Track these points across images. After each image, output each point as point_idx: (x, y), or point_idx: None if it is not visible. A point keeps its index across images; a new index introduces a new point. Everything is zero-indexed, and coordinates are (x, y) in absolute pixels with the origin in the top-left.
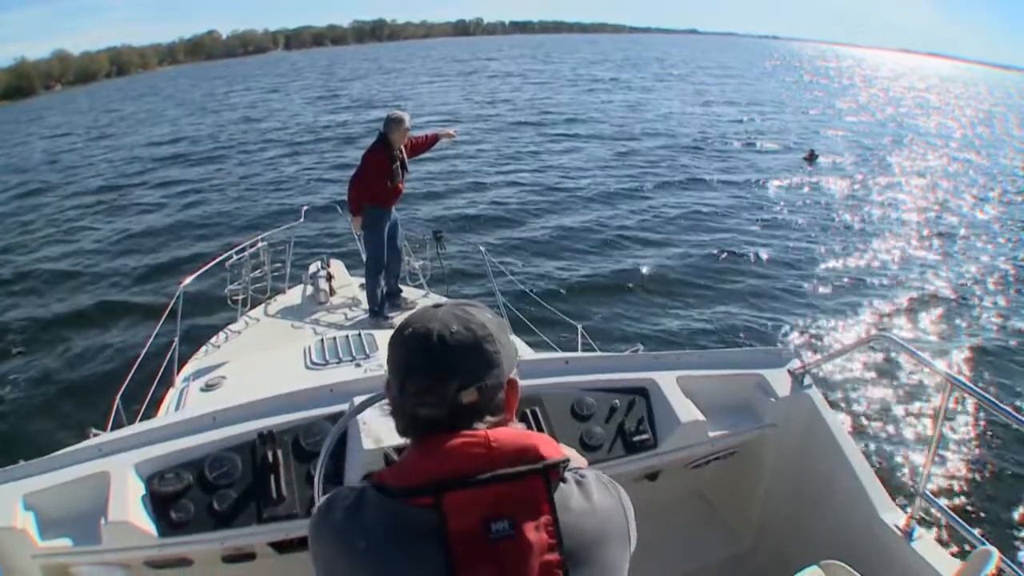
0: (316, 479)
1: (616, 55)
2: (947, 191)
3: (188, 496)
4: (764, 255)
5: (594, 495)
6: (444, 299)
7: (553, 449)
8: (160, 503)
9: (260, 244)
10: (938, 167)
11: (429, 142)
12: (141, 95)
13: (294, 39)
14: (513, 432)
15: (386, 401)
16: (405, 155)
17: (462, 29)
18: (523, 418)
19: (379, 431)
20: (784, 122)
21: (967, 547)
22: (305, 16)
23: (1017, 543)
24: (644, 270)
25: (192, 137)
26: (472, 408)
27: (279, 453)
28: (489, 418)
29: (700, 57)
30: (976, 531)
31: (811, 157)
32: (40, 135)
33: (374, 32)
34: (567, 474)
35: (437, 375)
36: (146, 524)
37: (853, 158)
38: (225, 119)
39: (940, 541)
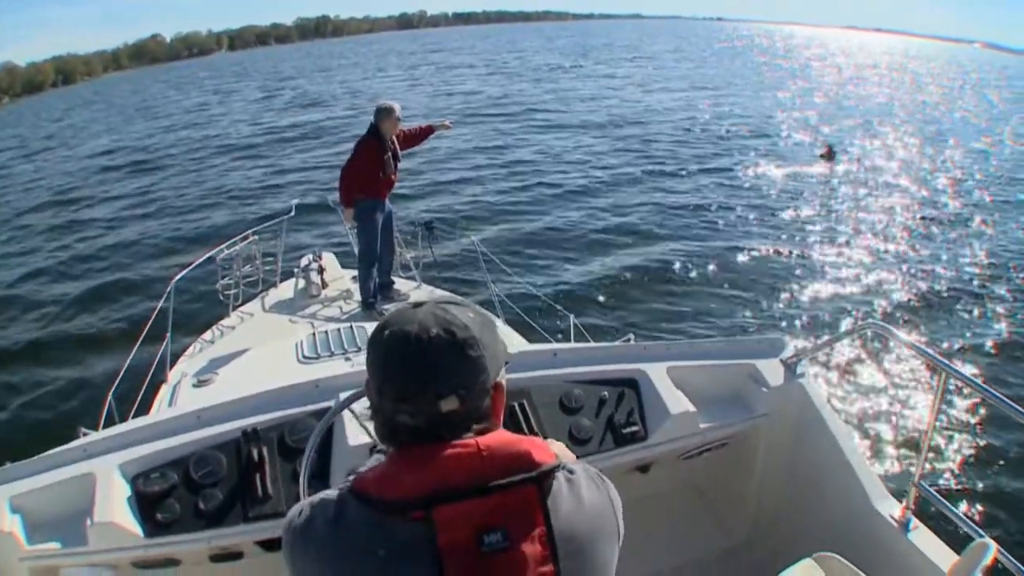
0: (302, 476)
1: (567, 41)
2: (938, 177)
3: (174, 496)
4: (756, 244)
5: (584, 494)
6: (427, 297)
7: (545, 453)
8: (146, 503)
9: (251, 238)
10: (925, 151)
11: (423, 133)
12: (88, 102)
13: (238, 39)
14: (504, 438)
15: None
16: (397, 146)
17: (405, 22)
18: (510, 412)
19: (365, 426)
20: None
21: (963, 538)
22: (248, 15)
23: (1014, 533)
24: (636, 260)
25: (160, 142)
26: (454, 417)
27: (264, 451)
28: (474, 426)
29: (651, 42)
30: (973, 522)
31: (829, 154)
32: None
33: (318, 29)
34: (557, 473)
35: (414, 382)
36: (132, 525)
37: (856, 147)
38: (194, 123)
39: (936, 532)
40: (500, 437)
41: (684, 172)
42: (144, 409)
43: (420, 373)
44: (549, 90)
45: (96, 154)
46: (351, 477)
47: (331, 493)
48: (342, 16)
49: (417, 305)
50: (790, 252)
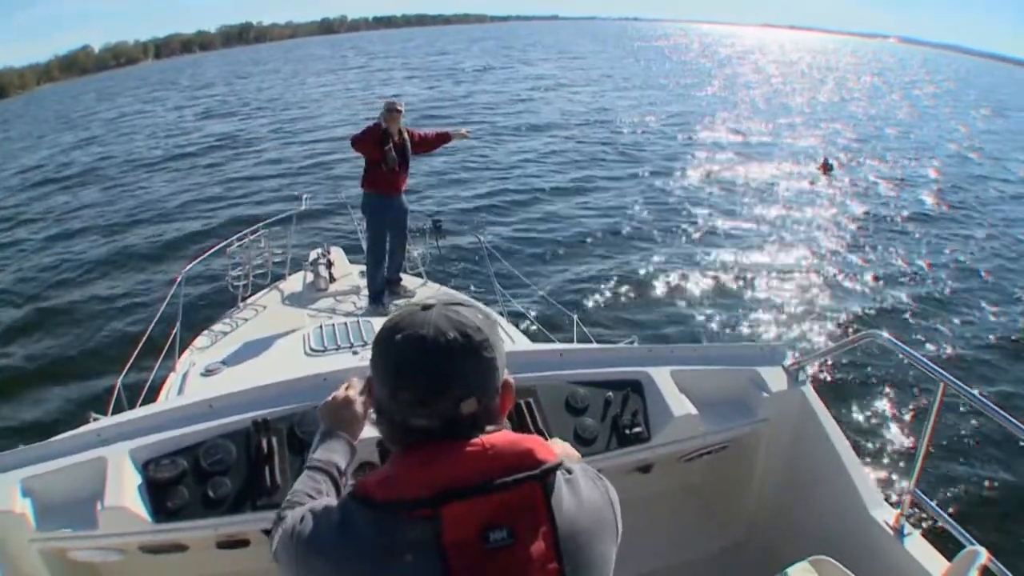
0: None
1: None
2: (931, 186)
3: (183, 483)
4: (761, 252)
5: (583, 492)
6: (433, 294)
7: (547, 452)
8: (155, 489)
9: (261, 231)
10: (917, 159)
11: (439, 139)
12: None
13: (164, 48)
14: (508, 437)
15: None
16: (407, 143)
17: (327, 27)
18: (517, 410)
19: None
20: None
21: (956, 546)
22: (174, 24)
23: (1007, 542)
24: (640, 262)
25: (162, 144)
26: (471, 418)
27: (274, 441)
28: (489, 428)
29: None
30: (966, 530)
31: (826, 167)
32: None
33: (241, 36)
34: (557, 472)
35: (434, 386)
36: (141, 510)
37: (850, 159)
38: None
39: (930, 539)
40: (504, 436)
41: (686, 179)
42: (152, 397)
43: (440, 377)
44: (510, 90)
45: (97, 156)
46: (351, 483)
47: (331, 501)
48: (264, 23)
49: (425, 307)
50: (793, 262)
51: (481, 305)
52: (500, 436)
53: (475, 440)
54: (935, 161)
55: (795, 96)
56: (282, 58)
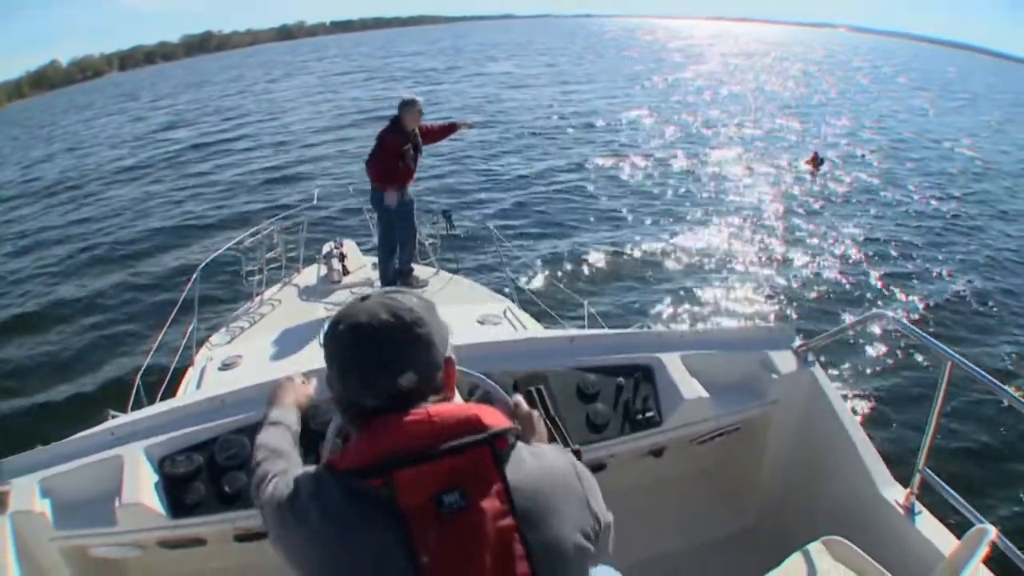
0: (323, 460)
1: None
2: (933, 171)
3: (199, 478)
4: (768, 236)
5: (547, 456)
6: (445, 283)
7: (497, 419)
8: (171, 485)
9: (273, 226)
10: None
11: (447, 130)
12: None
13: (128, 59)
14: (453, 406)
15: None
16: (418, 137)
17: (285, 33)
18: (528, 397)
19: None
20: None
21: (965, 523)
22: (136, 35)
23: (1016, 519)
24: (649, 248)
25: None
26: (413, 392)
27: None
28: (433, 397)
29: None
30: (975, 507)
31: (815, 161)
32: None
33: (202, 45)
34: (513, 439)
35: (375, 366)
36: (158, 506)
37: (840, 151)
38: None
39: (940, 517)
40: (450, 405)
41: (698, 168)
42: (171, 391)
43: (379, 357)
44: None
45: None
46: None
47: (309, 469)
48: (225, 31)
49: (364, 298)
50: (797, 248)
51: (419, 292)
52: (445, 405)
53: (418, 410)
54: (915, 149)
55: (768, 91)
56: (243, 64)
